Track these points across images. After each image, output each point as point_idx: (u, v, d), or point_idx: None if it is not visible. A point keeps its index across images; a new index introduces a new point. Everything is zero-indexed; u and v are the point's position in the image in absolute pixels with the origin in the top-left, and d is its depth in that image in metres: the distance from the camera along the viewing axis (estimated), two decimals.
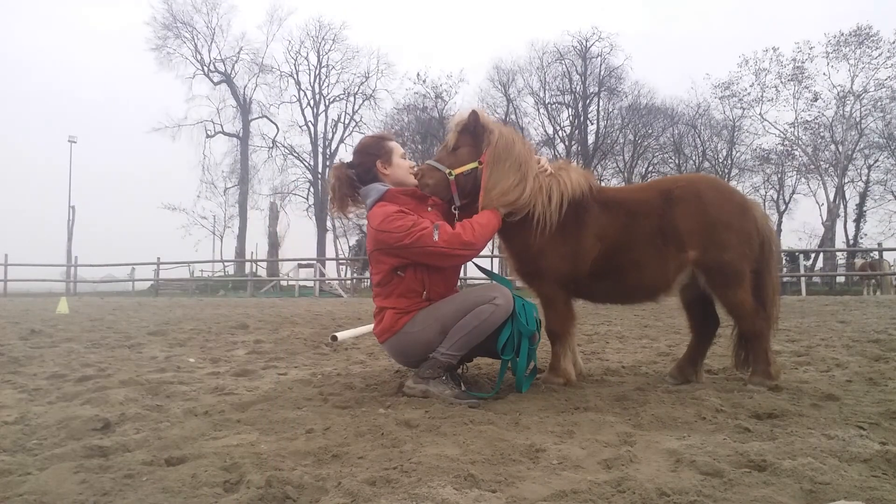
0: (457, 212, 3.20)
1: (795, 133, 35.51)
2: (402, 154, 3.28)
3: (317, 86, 40.31)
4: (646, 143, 39.72)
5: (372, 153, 3.23)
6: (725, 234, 3.08)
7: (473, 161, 3.13)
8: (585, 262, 3.16)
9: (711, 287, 3.15)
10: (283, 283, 30.62)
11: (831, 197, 34.84)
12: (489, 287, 3.07)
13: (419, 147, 35.73)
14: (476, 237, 2.94)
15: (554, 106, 39.85)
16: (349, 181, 3.24)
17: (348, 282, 29.59)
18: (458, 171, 3.13)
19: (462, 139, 3.17)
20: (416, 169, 3.25)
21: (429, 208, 3.21)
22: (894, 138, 33.57)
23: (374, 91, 39.82)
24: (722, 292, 3.13)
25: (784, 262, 31.04)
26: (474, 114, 3.16)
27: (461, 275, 3.34)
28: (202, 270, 35.72)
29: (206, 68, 39.39)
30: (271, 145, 40.26)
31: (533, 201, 3.09)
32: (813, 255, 34.54)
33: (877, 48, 32.49)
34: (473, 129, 3.15)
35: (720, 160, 39.59)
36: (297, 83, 40.19)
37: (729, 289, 3.11)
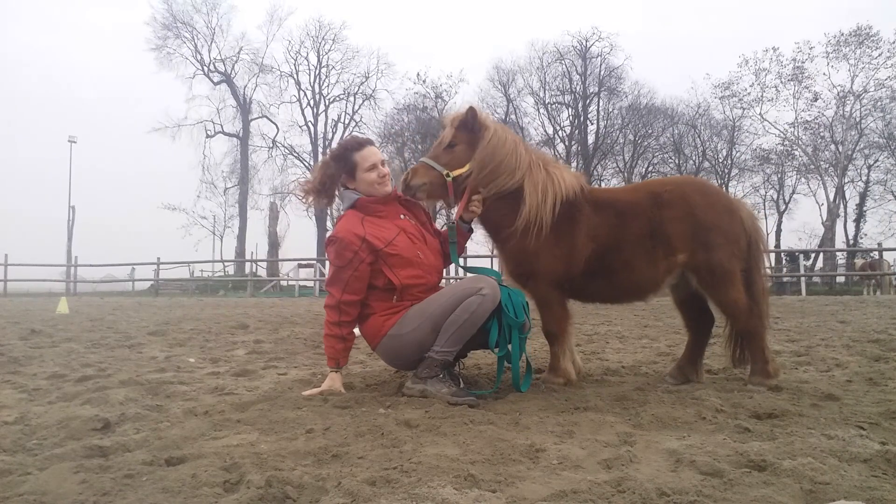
0: (463, 224, 3.27)
1: (795, 133, 35.48)
2: (372, 164, 3.12)
3: (317, 86, 40.25)
4: (646, 143, 39.64)
5: (339, 166, 3.20)
6: (713, 236, 3.10)
7: (470, 161, 3.11)
8: (579, 262, 3.16)
9: (703, 288, 3.16)
10: (283, 283, 30.60)
11: (831, 197, 34.81)
12: (474, 279, 3.04)
13: (419, 147, 35.64)
14: (329, 331, 3.08)
15: (554, 106, 39.77)
16: (329, 180, 3.22)
17: None
18: (456, 173, 3.11)
19: (459, 136, 3.14)
20: (400, 172, 3.25)
21: (402, 216, 3.20)
22: (894, 138, 33.53)
23: (374, 91, 39.76)
24: (713, 292, 3.15)
25: (784, 262, 31.03)
26: (472, 110, 3.13)
27: (452, 273, 3.36)
28: (202, 270, 35.71)
29: (206, 68, 39.33)
30: (271, 145, 40.20)
31: (528, 192, 3.08)
32: (813, 255, 34.53)
33: (877, 48, 32.44)
34: (472, 126, 3.13)
35: (720, 160, 39.55)
36: (297, 83, 40.15)
37: (720, 289, 3.12)
